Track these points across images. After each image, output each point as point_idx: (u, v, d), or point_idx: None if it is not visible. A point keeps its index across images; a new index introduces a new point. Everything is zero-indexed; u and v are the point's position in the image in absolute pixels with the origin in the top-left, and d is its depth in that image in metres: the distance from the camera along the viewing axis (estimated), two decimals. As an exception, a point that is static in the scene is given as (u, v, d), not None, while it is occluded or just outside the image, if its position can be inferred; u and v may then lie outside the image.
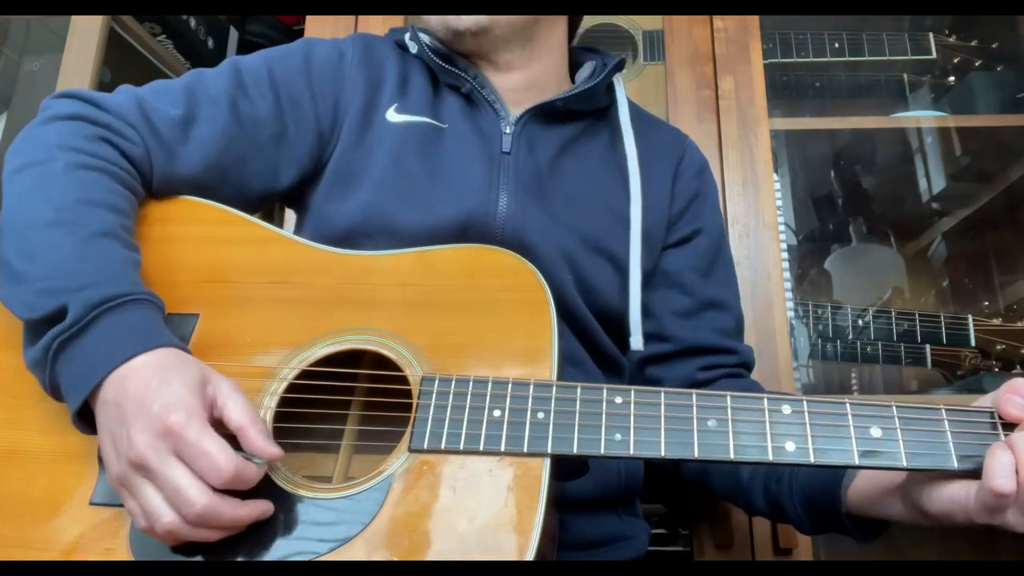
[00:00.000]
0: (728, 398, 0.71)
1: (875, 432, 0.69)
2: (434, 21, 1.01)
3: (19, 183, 0.81)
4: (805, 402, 0.71)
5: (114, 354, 0.70)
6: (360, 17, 1.61)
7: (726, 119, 1.54)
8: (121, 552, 0.70)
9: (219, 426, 0.69)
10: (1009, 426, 0.68)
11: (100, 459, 0.74)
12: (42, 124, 0.86)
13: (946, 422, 0.69)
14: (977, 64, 1.94)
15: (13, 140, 0.85)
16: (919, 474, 0.71)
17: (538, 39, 1.05)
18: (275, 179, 0.98)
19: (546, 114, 1.03)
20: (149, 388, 0.67)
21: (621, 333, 1.00)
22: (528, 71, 1.05)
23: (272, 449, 0.68)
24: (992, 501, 0.63)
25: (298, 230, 1.03)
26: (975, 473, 0.66)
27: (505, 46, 1.03)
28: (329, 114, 1.00)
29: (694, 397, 0.71)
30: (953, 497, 0.67)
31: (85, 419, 0.72)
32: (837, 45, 1.85)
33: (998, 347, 1.71)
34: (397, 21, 1.59)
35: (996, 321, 1.74)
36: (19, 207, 0.79)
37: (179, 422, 0.65)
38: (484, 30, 0.99)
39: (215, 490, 0.65)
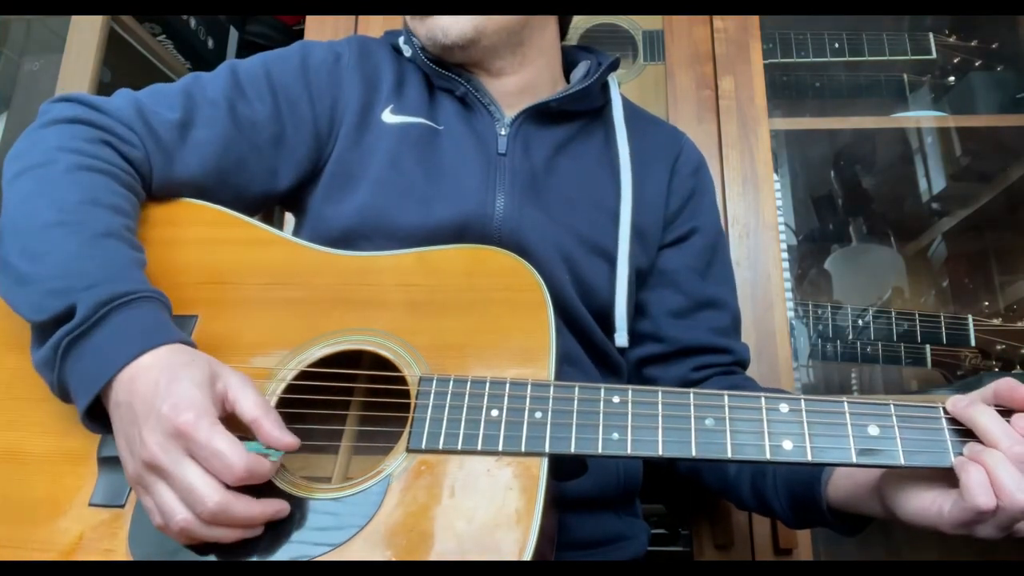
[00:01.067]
0: (726, 397, 0.71)
1: (873, 430, 0.69)
2: (422, 37, 1.01)
3: (20, 186, 0.81)
4: (803, 401, 0.71)
5: (123, 352, 0.70)
6: (360, 17, 1.61)
7: (726, 119, 1.54)
8: (120, 553, 0.70)
9: (232, 420, 0.69)
10: (964, 432, 0.68)
11: (99, 460, 0.75)
12: (41, 128, 0.86)
13: (943, 420, 0.69)
14: (977, 64, 1.94)
15: (13, 143, 0.85)
16: (893, 475, 0.72)
17: (528, 43, 1.05)
18: (274, 181, 0.98)
19: (541, 115, 1.04)
20: (158, 388, 0.67)
21: (614, 327, 1.00)
22: (521, 75, 1.05)
23: (288, 439, 0.68)
24: (973, 518, 0.64)
25: (297, 232, 1.03)
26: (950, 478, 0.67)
27: (495, 54, 1.03)
28: (326, 116, 1.00)
29: (691, 396, 0.72)
30: (927, 510, 0.68)
31: (94, 418, 0.72)
32: (837, 45, 1.84)
33: (998, 347, 1.71)
34: (397, 21, 1.59)
35: (996, 321, 1.73)
36: (21, 210, 0.79)
37: (189, 422, 0.65)
38: (472, 42, 0.99)
39: (230, 489, 0.66)
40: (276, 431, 0.68)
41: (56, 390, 0.73)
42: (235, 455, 0.65)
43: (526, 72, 1.06)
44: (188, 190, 0.92)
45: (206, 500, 0.64)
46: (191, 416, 0.65)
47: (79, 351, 0.71)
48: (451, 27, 0.98)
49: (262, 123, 0.96)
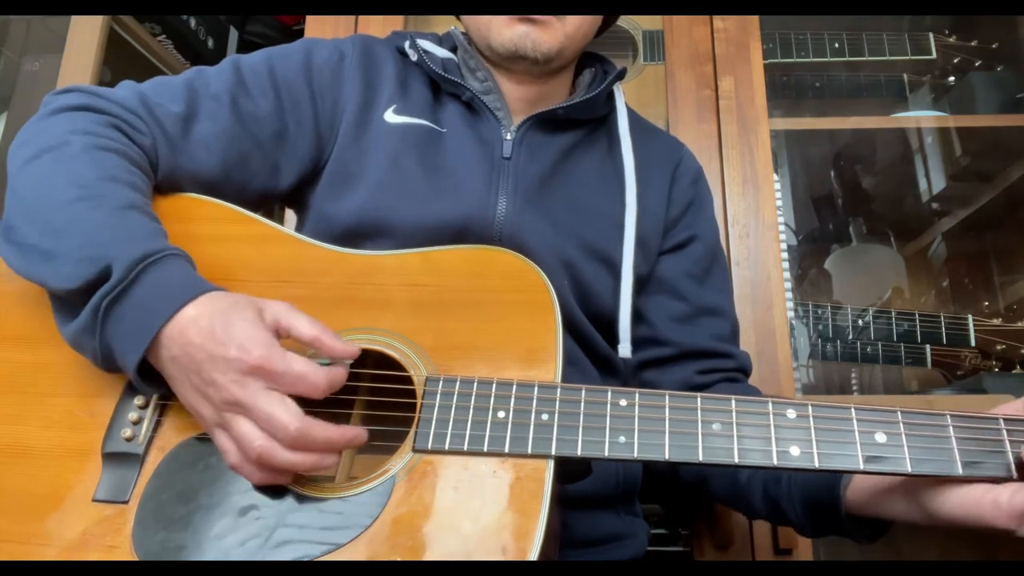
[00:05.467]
0: (733, 402, 0.71)
1: (880, 437, 0.69)
2: (503, 40, 0.98)
3: (35, 170, 0.80)
4: (810, 406, 0.71)
5: (166, 305, 0.71)
6: (360, 17, 1.61)
7: (726, 119, 1.54)
8: (123, 548, 0.70)
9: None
10: (1015, 430, 0.68)
11: (103, 456, 0.75)
12: (49, 116, 0.86)
13: (951, 428, 0.69)
14: (977, 64, 1.94)
15: (16, 135, 0.85)
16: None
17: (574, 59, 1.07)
18: (276, 178, 0.98)
19: (547, 122, 1.04)
20: (215, 333, 0.69)
21: (616, 337, 1.00)
22: (546, 85, 1.06)
23: (351, 348, 0.73)
24: None
25: (298, 230, 1.03)
26: (986, 479, 0.66)
27: (550, 68, 1.02)
28: (328, 114, 1.00)
29: (699, 400, 0.71)
30: (978, 502, 0.66)
31: (144, 377, 0.72)
32: (837, 45, 1.85)
33: (998, 347, 1.71)
34: (397, 21, 1.60)
35: (996, 321, 1.74)
36: (39, 191, 0.78)
37: (263, 357, 0.67)
38: (550, 60, 0.99)
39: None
40: (338, 344, 0.72)
41: (99, 356, 0.73)
42: (316, 373, 0.69)
43: (550, 83, 1.06)
44: (191, 184, 0.92)
45: (288, 425, 0.66)
46: (262, 351, 0.68)
47: (120, 311, 0.71)
48: (542, 43, 0.97)
49: (264, 119, 0.96)
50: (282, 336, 0.72)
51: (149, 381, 0.73)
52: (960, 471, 0.67)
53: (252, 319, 0.70)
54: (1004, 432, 0.68)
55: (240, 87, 0.96)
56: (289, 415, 0.67)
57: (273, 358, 0.68)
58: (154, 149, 0.89)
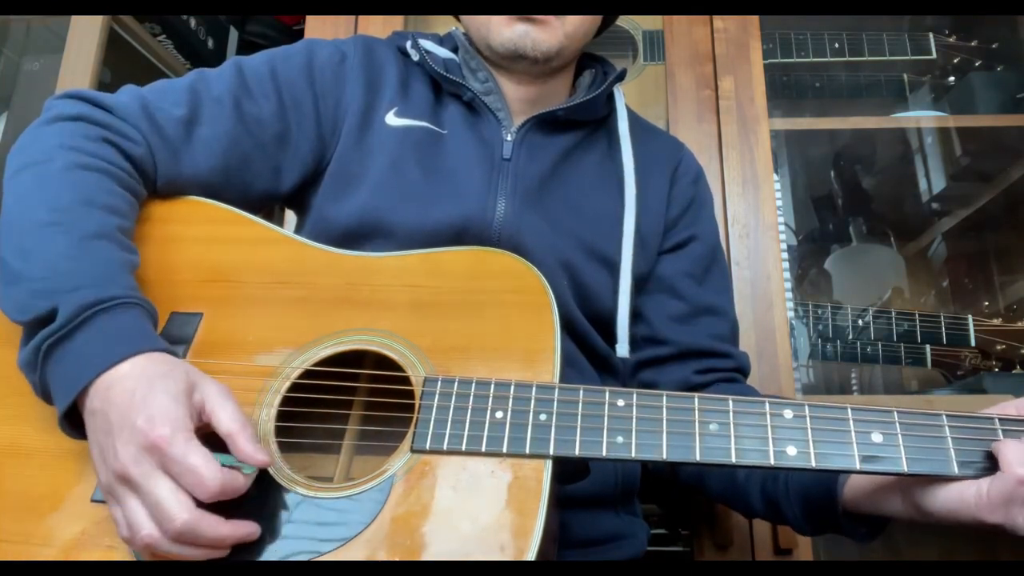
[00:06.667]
0: (730, 402, 0.71)
1: (876, 437, 0.69)
2: (503, 39, 0.98)
3: (19, 183, 0.81)
4: (807, 406, 0.71)
5: (101, 357, 0.69)
6: (360, 17, 1.61)
7: (726, 119, 1.54)
8: (121, 550, 0.69)
9: (207, 431, 0.68)
10: (1010, 430, 0.68)
11: None
12: (45, 124, 0.86)
13: (947, 427, 0.69)
14: (977, 64, 1.94)
15: (13, 143, 0.85)
16: None
17: (574, 59, 1.07)
18: (277, 180, 0.98)
19: (547, 123, 1.04)
20: (134, 399, 0.66)
21: (615, 337, 1.01)
22: (546, 86, 1.06)
23: (261, 456, 0.67)
24: (1013, 490, 0.63)
25: (298, 231, 1.03)
26: (978, 477, 0.67)
27: (550, 68, 1.03)
28: (330, 115, 1.00)
29: (696, 401, 0.72)
30: (962, 496, 0.67)
31: (72, 423, 0.71)
32: (837, 45, 1.85)
33: (998, 347, 1.71)
34: (397, 21, 1.60)
35: (996, 321, 1.74)
36: (17, 207, 0.79)
37: (163, 436, 0.64)
38: (550, 59, 0.99)
39: (201, 507, 0.65)
40: (250, 447, 0.67)
41: (39, 392, 0.73)
42: (209, 471, 0.64)
43: (551, 84, 1.06)
44: (193, 187, 0.92)
45: (174, 517, 0.63)
46: (166, 431, 0.65)
47: (59, 354, 0.70)
48: (542, 42, 0.97)
49: (267, 121, 0.96)
50: (203, 419, 0.69)
51: (77, 427, 0.71)
52: (956, 471, 0.67)
53: (176, 393, 0.67)
54: (1000, 432, 0.68)
55: (242, 89, 0.96)
56: (178, 506, 0.64)
57: (174, 440, 0.64)
58: (150, 159, 0.89)
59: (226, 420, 0.68)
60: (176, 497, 0.64)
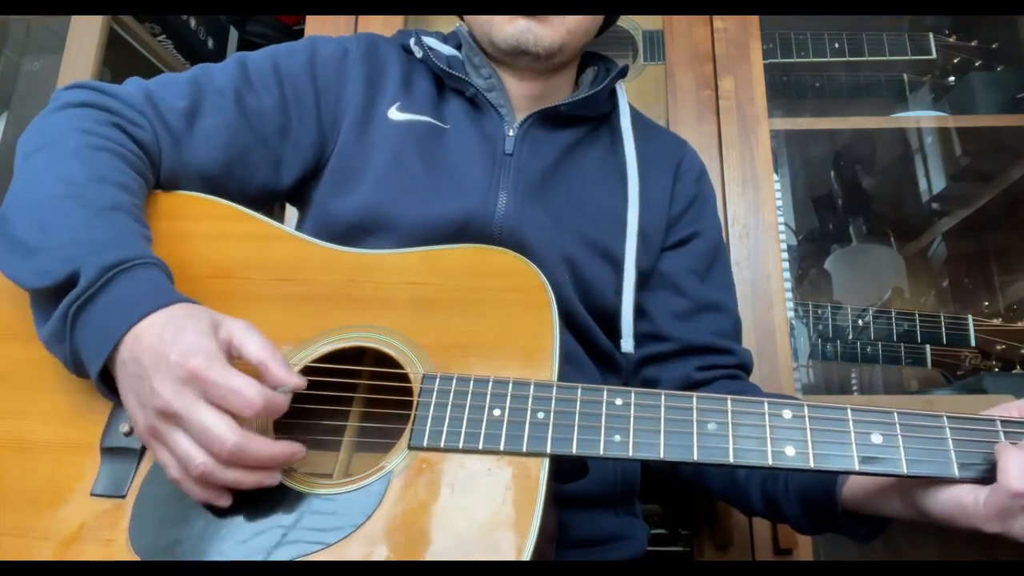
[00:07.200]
0: (729, 401, 0.71)
1: (876, 438, 0.69)
2: (505, 36, 0.98)
3: (30, 165, 0.82)
4: (806, 407, 0.70)
5: (128, 313, 0.70)
6: (360, 17, 1.61)
7: (726, 119, 1.54)
8: (120, 543, 0.70)
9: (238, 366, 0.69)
10: (1012, 432, 0.68)
11: (102, 450, 0.75)
12: (53, 112, 0.87)
13: (947, 429, 0.68)
14: (977, 64, 1.94)
15: (13, 143, 0.86)
16: None
17: (577, 55, 1.07)
18: (277, 174, 0.98)
19: (549, 118, 1.04)
20: (163, 339, 0.67)
21: (618, 333, 1.01)
22: (549, 82, 1.06)
23: (295, 379, 0.69)
24: (1007, 503, 0.63)
25: (300, 227, 1.03)
26: (977, 480, 0.66)
27: (553, 64, 1.03)
28: (331, 110, 1.00)
29: (694, 400, 0.71)
30: (960, 501, 0.67)
31: (108, 385, 0.72)
32: (837, 45, 1.85)
33: (998, 347, 1.71)
34: (397, 21, 1.60)
35: (996, 321, 1.74)
36: (30, 186, 0.80)
37: (200, 365, 0.65)
38: (552, 54, 0.99)
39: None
40: (283, 371, 0.68)
41: (70, 362, 0.73)
42: (252, 389, 0.65)
43: (553, 80, 1.06)
44: (194, 180, 0.92)
45: (225, 439, 0.64)
46: (202, 360, 0.66)
47: (86, 316, 0.71)
48: (544, 37, 0.97)
49: (268, 114, 0.97)
50: (232, 354, 0.70)
51: (112, 389, 0.72)
52: (956, 473, 0.67)
53: (203, 330, 0.69)
54: (1001, 434, 0.68)
55: (245, 82, 0.97)
56: (226, 428, 0.65)
57: (211, 366, 0.66)
58: (156, 146, 0.89)
59: (255, 349, 0.69)
60: (223, 420, 0.65)
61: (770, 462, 0.68)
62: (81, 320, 0.71)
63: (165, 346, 0.67)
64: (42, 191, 0.78)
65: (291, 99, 0.98)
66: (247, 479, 0.67)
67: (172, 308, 0.71)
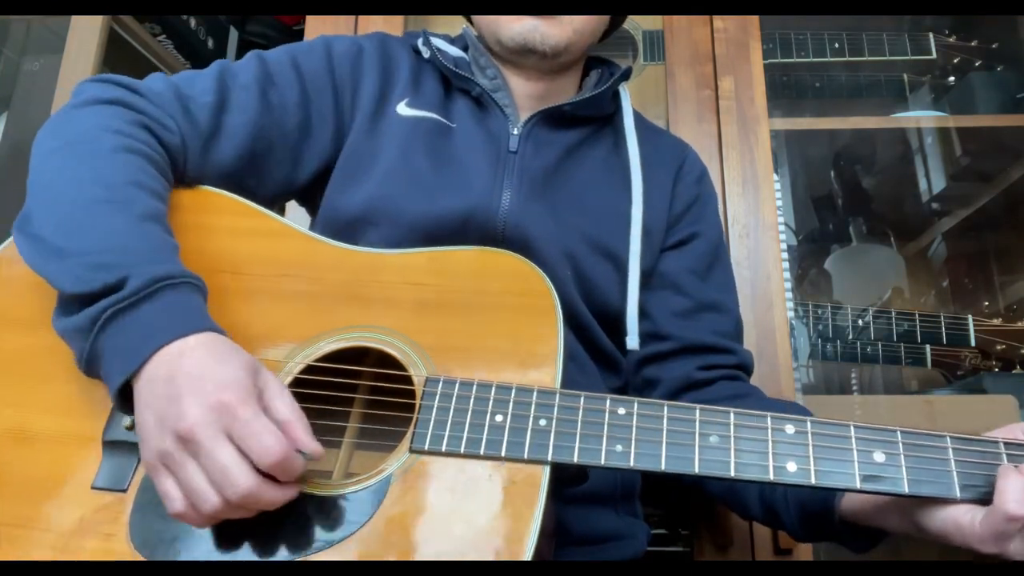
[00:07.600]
0: (732, 415, 0.71)
1: (878, 457, 0.68)
2: (512, 34, 0.99)
3: (59, 161, 0.80)
4: (809, 422, 0.70)
5: (171, 328, 0.69)
6: (360, 17, 1.61)
7: (726, 119, 1.54)
8: (120, 537, 0.70)
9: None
10: (1015, 455, 0.68)
11: (104, 444, 0.75)
12: (80, 107, 0.86)
13: (950, 450, 0.68)
14: (977, 64, 1.94)
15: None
16: None
17: (582, 56, 1.08)
18: (296, 169, 0.99)
19: (554, 118, 1.05)
20: (205, 366, 0.67)
21: (620, 332, 1.01)
22: (554, 83, 1.07)
23: (316, 446, 0.67)
24: (1003, 526, 0.63)
25: (311, 225, 1.04)
26: (979, 502, 0.66)
27: (559, 64, 1.04)
28: (348, 106, 1.02)
29: (697, 412, 0.71)
30: (956, 520, 0.67)
31: (122, 395, 0.71)
32: (837, 45, 1.85)
33: (998, 347, 1.71)
34: (397, 21, 1.60)
35: (996, 321, 1.74)
36: (61, 184, 0.78)
37: (236, 399, 0.65)
38: (558, 54, 1.00)
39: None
40: (307, 436, 0.67)
41: (84, 359, 0.72)
42: (276, 439, 0.64)
43: (559, 81, 1.08)
44: (218, 177, 0.92)
45: (239, 484, 0.63)
46: (240, 394, 0.65)
47: (122, 323, 0.70)
48: (551, 36, 0.98)
49: (291, 109, 0.98)
50: (261, 405, 0.68)
51: (125, 399, 0.71)
52: (958, 494, 0.67)
53: (246, 369, 0.68)
54: (1004, 456, 0.68)
55: (267, 78, 0.98)
56: (243, 474, 0.64)
57: (245, 404, 0.65)
58: (182, 147, 0.89)
59: (284, 409, 0.68)
60: (241, 464, 0.64)
61: (771, 477, 0.68)
62: (115, 324, 0.70)
63: (207, 370, 0.67)
64: (76, 193, 0.77)
65: (312, 95, 1.00)
66: (249, 515, 0.67)
67: (212, 336, 0.71)
